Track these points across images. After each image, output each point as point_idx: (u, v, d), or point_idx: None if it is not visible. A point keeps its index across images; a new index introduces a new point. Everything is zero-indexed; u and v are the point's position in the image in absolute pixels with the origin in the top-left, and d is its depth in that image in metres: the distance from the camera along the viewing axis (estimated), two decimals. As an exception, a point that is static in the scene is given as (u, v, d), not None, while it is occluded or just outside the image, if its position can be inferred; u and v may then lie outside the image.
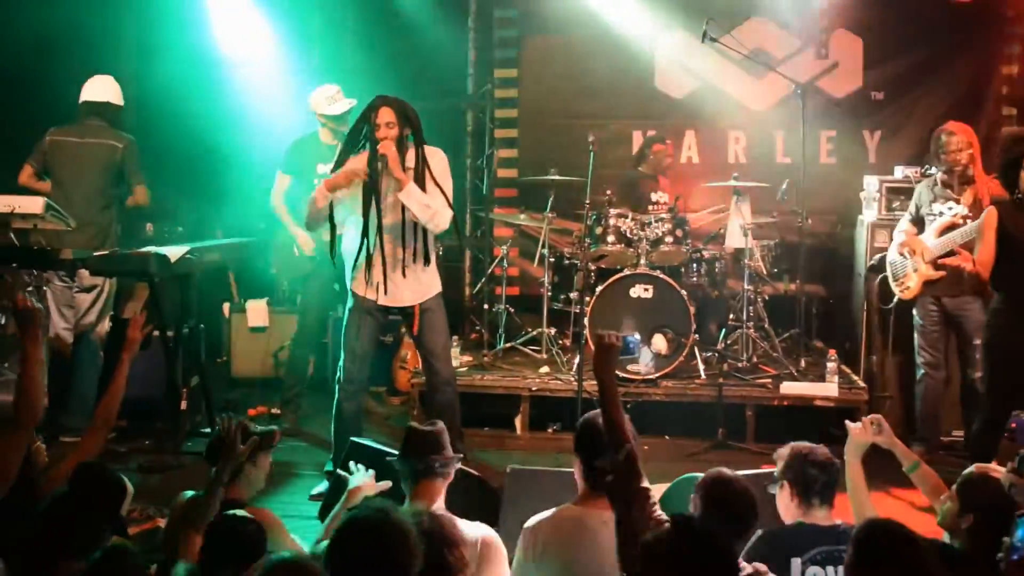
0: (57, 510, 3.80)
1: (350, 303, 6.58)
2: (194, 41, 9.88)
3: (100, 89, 7.91)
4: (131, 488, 4.26)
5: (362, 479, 4.64)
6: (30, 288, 6.99)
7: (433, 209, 6.19)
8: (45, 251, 7.19)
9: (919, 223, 7.42)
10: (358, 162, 6.22)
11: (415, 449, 4.36)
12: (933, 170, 7.61)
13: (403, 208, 6.20)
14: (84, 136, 7.78)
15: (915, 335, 7.53)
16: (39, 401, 4.43)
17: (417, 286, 6.48)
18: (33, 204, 6.95)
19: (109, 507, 3.98)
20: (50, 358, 7.24)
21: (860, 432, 4.61)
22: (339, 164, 6.37)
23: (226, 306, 9.73)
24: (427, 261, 6.45)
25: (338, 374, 6.68)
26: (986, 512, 3.90)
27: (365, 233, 6.27)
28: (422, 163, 6.23)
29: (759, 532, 3.93)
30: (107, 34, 9.47)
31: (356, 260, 6.43)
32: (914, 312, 7.54)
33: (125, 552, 3.41)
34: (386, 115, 6.13)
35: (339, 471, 4.96)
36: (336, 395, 6.70)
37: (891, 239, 7.71)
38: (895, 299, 7.62)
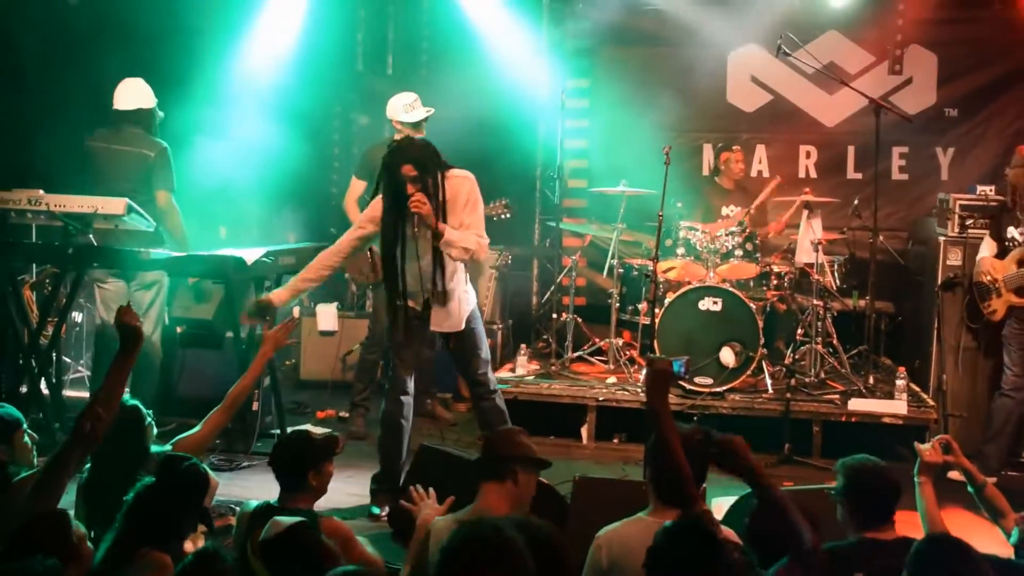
0: (143, 500, 3.90)
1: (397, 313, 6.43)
2: (272, 42, 10.04)
3: (128, 97, 7.79)
4: (216, 480, 4.35)
5: (428, 510, 4.54)
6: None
7: (472, 249, 6.16)
8: (125, 251, 7.34)
9: (1000, 244, 7.42)
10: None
11: (488, 451, 4.43)
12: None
13: (434, 248, 6.16)
14: (115, 143, 7.70)
15: (1003, 354, 7.50)
16: (106, 425, 4.24)
17: (454, 315, 6.37)
18: (116, 205, 7.08)
19: (193, 498, 4.08)
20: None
21: (930, 453, 4.58)
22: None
23: (296, 309, 9.86)
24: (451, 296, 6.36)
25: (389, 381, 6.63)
26: None
27: (394, 279, 6.22)
28: (443, 199, 6.13)
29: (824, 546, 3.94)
30: (190, 32, 9.63)
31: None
32: (1003, 332, 7.51)
33: (216, 555, 3.47)
34: (408, 171, 6.02)
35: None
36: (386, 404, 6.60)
37: (964, 257, 7.68)
38: (983, 319, 7.63)
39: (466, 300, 6.42)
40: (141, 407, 4.89)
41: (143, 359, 7.81)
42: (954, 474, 5.23)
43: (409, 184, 5.98)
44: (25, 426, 5.03)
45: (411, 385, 6.49)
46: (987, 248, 7.55)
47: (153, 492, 3.94)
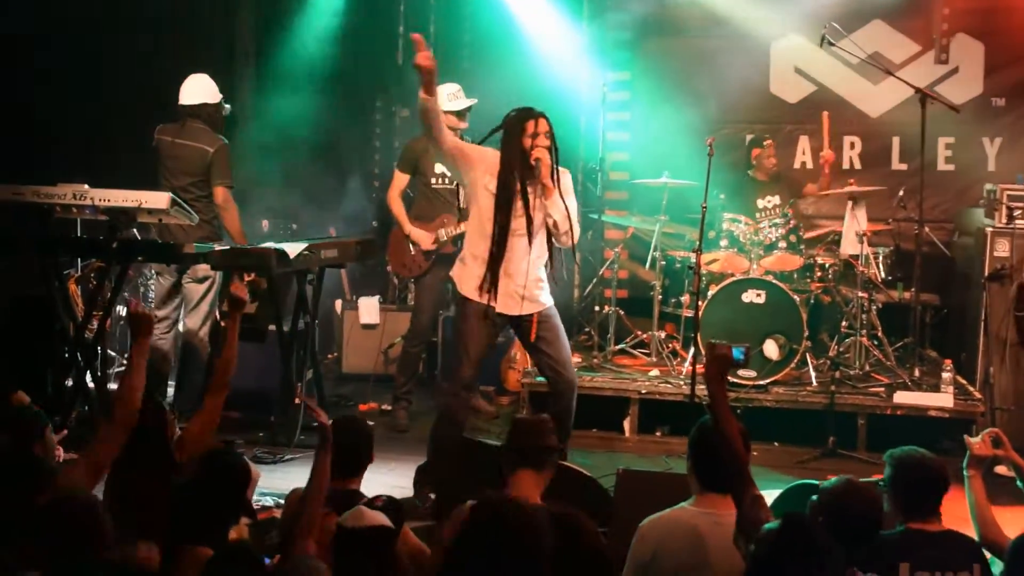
0: (185, 495, 3.92)
1: (464, 308, 6.42)
2: (313, 35, 10.08)
3: (193, 91, 7.89)
4: (258, 473, 4.37)
5: None
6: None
7: (571, 221, 6.21)
8: (169, 245, 7.40)
9: None
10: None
11: (519, 439, 4.42)
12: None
13: (529, 217, 6.19)
14: (180, 136, 7.80)
15: None
16: (135, 407, 4.49)
17: (537, 295, 6.37)
18: (159, 199, 7.12)
19: (235, 492, 4.08)
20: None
21: (980, 447, 4.54)
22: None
23: (338, 303, 9.90)
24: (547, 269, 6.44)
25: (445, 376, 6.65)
26: None
27: (498, 237, 6.20)
28: (556, 181, 6.22)
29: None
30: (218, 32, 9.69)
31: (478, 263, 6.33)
32: None
33: (246, 550, 3.49)
34: (544, 125, 6.18)
35: None
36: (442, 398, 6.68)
37: (1012, 248, 7.61)
38: None
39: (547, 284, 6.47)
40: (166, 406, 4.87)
41: (189, 354, 7.92)
42: (1001, 468, 5.19)
43: (541, 136, 6.14)
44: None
45: (475, 381, 6.55)
46: None
47: (195, 486, 3.96)
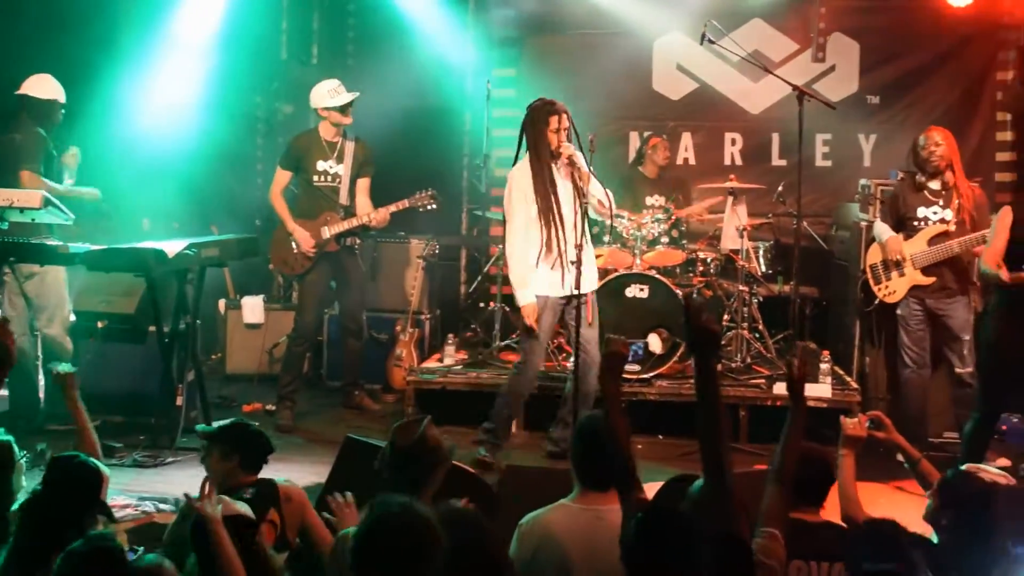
0: (36, 507, 3.85)
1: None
2: (194, 30, 9.89)
3: (29, 86, 7.75)
4: (108, 473, 4.29)
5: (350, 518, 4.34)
6: None
7: (610, 201, 6.90)
8: (42, 246, 7.20)
9: (899, 226, 7.52)
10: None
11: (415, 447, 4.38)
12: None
13: (576, 203, 6.70)
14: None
15: (900, 333, 7.60)
16: None
17: (591, 272, 6.99)
18: (31, 198, 6.94)
19: (87, 495, 4.04)
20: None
21: (852, 428, 4.65)
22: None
23: (222, 302, 9.75)
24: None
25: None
26: (963, 510, 3.98)
27: (552, 227, 6.83)
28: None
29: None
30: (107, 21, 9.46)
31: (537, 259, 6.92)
32: (898, 311, 7.62)
33: (106, 541, 3.44)
34: (566, 121, 6.83)
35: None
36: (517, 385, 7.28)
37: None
38: (876, 301, 7.71)
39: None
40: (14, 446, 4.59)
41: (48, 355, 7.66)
42: (901, 458, 5.28)
43: (561, 131, 6.81)
44: None
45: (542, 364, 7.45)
46: (885, 231, 7.63)
47: (45, 495, 3.89)
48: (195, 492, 4.43)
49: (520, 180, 6.92)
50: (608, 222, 7.36)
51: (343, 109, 8.00)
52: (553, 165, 6.85)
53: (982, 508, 3.94)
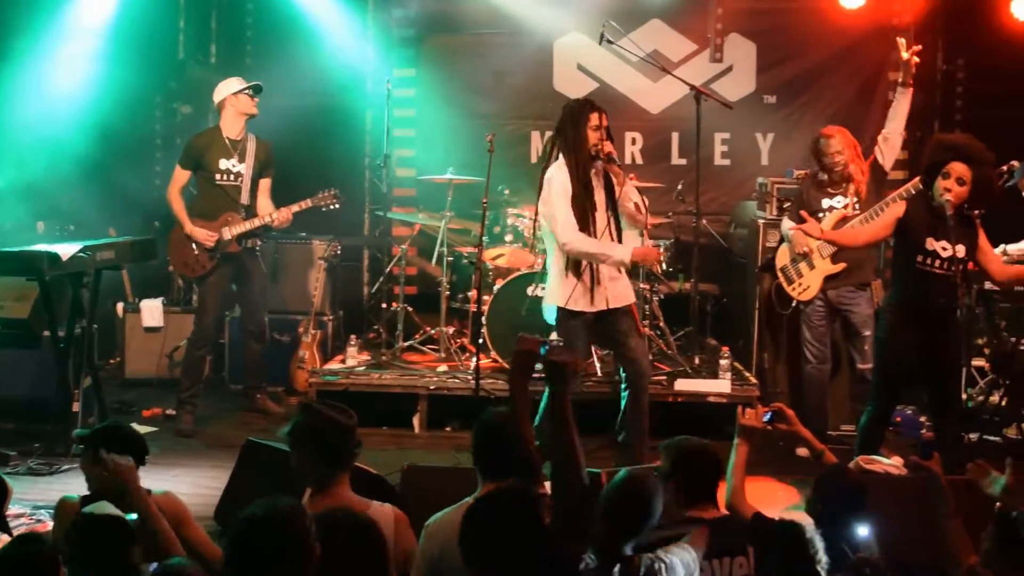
0: None
1: (568, 321, 6.72)
2: (87, 29, 9.71)
3: None
4: (11, 487, 4.20)
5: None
6: None
7: (645, 204, 6.77)
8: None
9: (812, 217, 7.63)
10: None
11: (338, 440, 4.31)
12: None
13: (608, 208, 6.63)
14: None
15: (802, 328, 7.71)
16: None
17: (625, 282, 6.84)
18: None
19: None
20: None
21: (747, 418, 4.72)
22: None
23: (120, 306, 9.58)
24: None
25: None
26: (833, 502, 4.19)
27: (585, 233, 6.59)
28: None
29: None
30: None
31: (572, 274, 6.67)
32: (802, 308, 7.72)
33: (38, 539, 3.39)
34: (605, 120, 6.64)
35: None
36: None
37: (782, 238, 7.87)
38: (794, 303, 7.74)
39: None
40: None
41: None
42: (802, 451, 5.38)
43: (601, 129, 6.59)
44: None
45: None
46: (791, 226, 7.72)
47: None
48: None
49: (562, 177, 6.61)
50: (642, 230, 7.08)
51: (256, 90, 7.96)
52: (591, 168, 6.62)
53: (853, 501, 4.19)
